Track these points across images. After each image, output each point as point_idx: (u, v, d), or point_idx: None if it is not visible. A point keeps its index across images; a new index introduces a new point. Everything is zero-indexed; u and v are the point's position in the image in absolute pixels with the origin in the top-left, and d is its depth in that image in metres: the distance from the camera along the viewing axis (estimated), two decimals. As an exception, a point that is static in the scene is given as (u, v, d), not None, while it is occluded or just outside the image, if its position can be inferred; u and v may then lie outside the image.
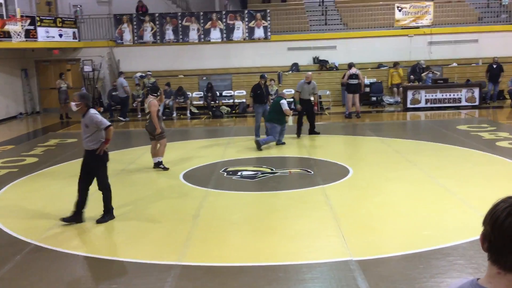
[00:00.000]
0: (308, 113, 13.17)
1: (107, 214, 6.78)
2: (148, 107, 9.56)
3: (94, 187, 6.85)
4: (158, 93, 9.81)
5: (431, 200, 7.27)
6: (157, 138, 9.69)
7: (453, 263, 5.12)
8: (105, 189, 6.77)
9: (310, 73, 13.81)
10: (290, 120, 12.94)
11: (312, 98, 13.71)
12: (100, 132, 6.63)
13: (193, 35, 20.12)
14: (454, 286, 1.63)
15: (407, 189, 7.87)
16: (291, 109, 12.66)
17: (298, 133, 12.89)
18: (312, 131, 13.20)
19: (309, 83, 13.11)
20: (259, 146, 11.44)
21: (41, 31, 17.84)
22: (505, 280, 1.50)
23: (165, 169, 9.65)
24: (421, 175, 8.66)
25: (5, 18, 12.41)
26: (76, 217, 6.64)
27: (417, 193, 7.62)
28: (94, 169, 6.72)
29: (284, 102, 11.70)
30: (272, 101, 12.61)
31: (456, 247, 5.40)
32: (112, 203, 6.87)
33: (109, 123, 6.65)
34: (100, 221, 6.68)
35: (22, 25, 13.10)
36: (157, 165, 9.74)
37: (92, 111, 6.65)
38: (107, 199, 6.79)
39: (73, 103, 6.67)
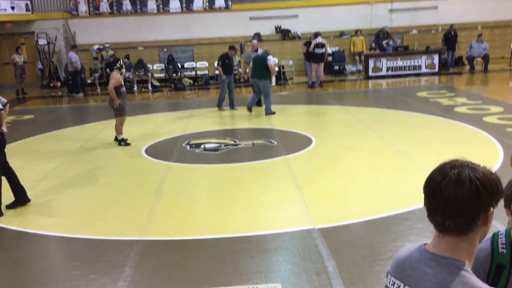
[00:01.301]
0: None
1: None
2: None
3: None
4: (118, 65, 9.54)
5: (391, 167, 7.41)
6: (115, 115, 9.45)
7: (412, 227, 5.26)
8: None
9: (255, 41, 13.67)
10: (273, 80, 12.81)
11: None
12: None
13: (152, 5, 19.61)
14: (404, 252, 1.65)
15: (368, 157, 7.99)
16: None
17: (258, 102, 12.81)
18: (257, 102, 12.86)
19: (256, 51, 12.91)
20: (271, 113, 11.62)
21: (-9, 4, 17.03)
22: (445, 242, 1.51)
23: (127, 144, 9.48)
24: (382, 143, 8.80)
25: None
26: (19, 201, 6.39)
27: (377, 161, 7.75)
28: None
29: (270, 57, 11.73)
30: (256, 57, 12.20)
31: (414, 212, 5.55)
32: (71, 177, 6.59)
33: (0, 107, 5.98)
34: None
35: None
36: (119, 142, 9.56)
37: None
38: None
39: None
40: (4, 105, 6.19)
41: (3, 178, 6.25)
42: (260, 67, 11.76)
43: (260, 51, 13.01)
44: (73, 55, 16.85)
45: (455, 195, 1.45)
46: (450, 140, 8.68)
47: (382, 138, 9.09)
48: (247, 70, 13.18)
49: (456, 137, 8.94)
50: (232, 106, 12.78)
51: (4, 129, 6.14)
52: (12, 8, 18.11)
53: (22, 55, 17.69)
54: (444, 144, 8.45)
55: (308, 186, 6.72)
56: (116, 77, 9.25)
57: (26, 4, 18.80)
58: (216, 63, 12.61)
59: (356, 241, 5.10)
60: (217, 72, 13.99)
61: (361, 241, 5.08)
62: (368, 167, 7.49)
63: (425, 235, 5.00)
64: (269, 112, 11.78)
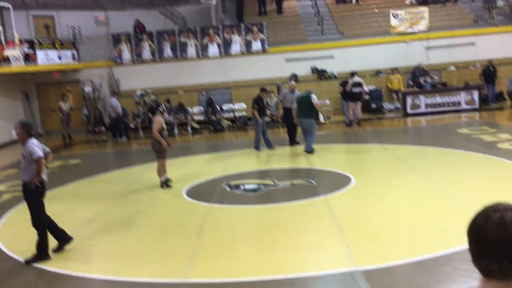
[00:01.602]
0: (291, 122, 13.18)
1: (39, 255, 6.19)
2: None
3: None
4: (161, 109, 9.88)
5: (434, 206, 7.27)
6: (156, 157, 9.73)
7: (458, 268, 5.12)
8: (37, 227, 6.23)
9: (293, 82, 13.95)
10: (321, 117, 13.06)
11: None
12: (34, 164, 6.12)
13: (191, 51, 20.27)
14: None
15: (409, 196, 7.87)
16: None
17: (292, 139, 13.27)
18: (293, 141, 13.29)
19: (292, 92, 13.24)
20: (310, 151, 11.74)
21: (40, 54, 18.02)
22: (491, 287, 1.51)
23: (168, 186, 9.69)
24: (423, 181, 8.66)
25: (3, 43, 12.53)
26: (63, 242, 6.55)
27: (419, 200, 7.62)
28: (27, 203, 6.30)
29: (314, 96, 12.04)
30: (298, 97, 12.54)
31: (460, 252, 5.40)
32: (115, 220, 6.75)
33: (40, 155, 6.08)
34: (28, 261, 6.15)
35: (20, 50, 13.22)
36: (161, 185, 9.77)
37: (32, 140, 6.18)
38: (39, 238, 6.21)
39: (13, 131, 6.25)
40: (47, 154, 6.45)
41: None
42: (306, 106, 12.01)
43: (296, 92, 13.24)
44: (113, 101, 17.47)
45: (498, 239, 1.45)
46: (494, 178, 8.47)
47: (423, 176, 8.96)
48: (280, 110, 13.48)
49: (500, 175, 8.72)
50: (269, 145, 12.93)
51: (45, 177, 6.33)
52: (60, 58, 19.08)
53: (68, 102, 18.50)
54: (488, 182, 8.25)
55: (349, 226, 6.66)
56: (159, 121, 9.57)
57: (73, 54, 19.77)
58: (252, 107, 12.85)
59: (401, 284, 4.99)
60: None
61: (406, 284, 4.98)
62: (410, 206, 7.38)
63: (472, 276, 4.86)
64: (308, 150, 11.83)
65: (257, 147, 12.90)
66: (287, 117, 13.40)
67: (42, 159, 6.13)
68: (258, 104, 12.79)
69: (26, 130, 6.22)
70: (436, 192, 7.96)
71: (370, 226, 6.70)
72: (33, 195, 6.22)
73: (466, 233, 1.55)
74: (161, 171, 9.78)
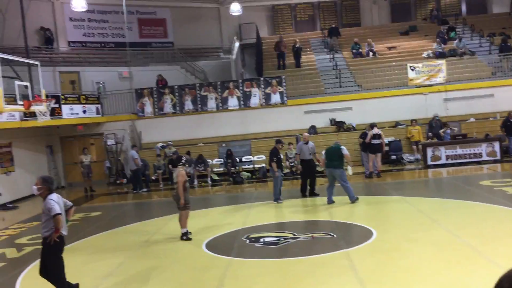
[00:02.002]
0: (310, 173, 13.58)
1: None
2: (176, 177, 9.74)
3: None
4: (183, 161, 10.03)
5: (458, 261, 7.12)
6: (180, 209, 9.81)
7: (485, 327, 4.97)
8: (55, 281, 6.27)
9: (306, 134, 14.41)
10: (350, 169, 13.24)
11: (312, 157, 13.87)
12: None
13: (211, 103, 20.69)
14: None
15: (432, 250, 7.73)
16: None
17: (304, 191, 13.51)
18: (312, 193, 13.51)
19: (306, 143, 13.55)
20: (354, 200, 11.90)
21: (65, 109, 18.57)
22: None
23: (188, 239, 9.70)
24: (446, 235, 8.52)
25: (31, 99, 12.98)
26: None
27: (443, 254, 7.48)
28: (45, 259, 6.36)
29: (344, 147, 12.40)
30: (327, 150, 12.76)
31: (486, 310, 5.26)
32: (135, 274, 6.74)
33: (58, 211, 6.17)
34: None
35: (47, 105, 13.66)
36: (181, 237, 9.79)
37: (51, 196, 6.29)
38: None
39: (34, 187, 6.36)
40: (69, 208, 6.56)
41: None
42: (336, 157, 12.19)
43: (310, 143, 13.47)
44: (133, 153, 17.75)
45: None
46: (520, 231, 8.29)
47: (446, 230, 8.81)
48: (297, 160, 14.20)
49: (526, 228, 8.53)
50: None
51: (64, 232, 6.39)
52: (84, 111, 19.62)
53: (89, 155, 18.89)
54: (513, 235, 8.07)
55: (371, 282, 6.54)
56: (182, 173, 9.74)
57: (97, 108, 20.34)
58: (270, 160, 12.99)
59: None
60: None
61: None
62: (433, 260, 7.24)
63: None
64: (354, 200, 11.94)
65: (276, 199, 12.91)
66: (305, 168, 13.61)
67: (60, 215, 6.20)
68: (276, 156, 12.93)
69: (47, 186, 6.35)
70: (459, 246, 7.81)
71: (393, 281, 6.57)
72: (52, 251, 6.28)
73: None
74: (184, 221, 9.82)
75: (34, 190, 6.38)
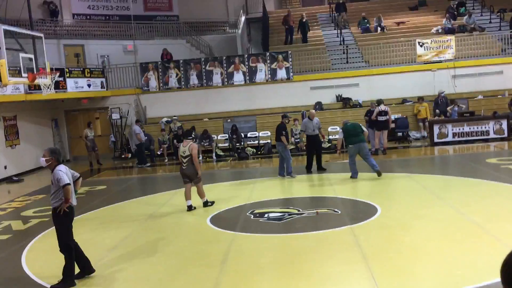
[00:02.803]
0: (315, 149, 13.67)
1: (65, 281, 6.23)
2: (190, 150, 9.85)
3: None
4: (193, 136, 10.13)
5: (463, 238, 7.09)
6: (196, 182, 10.02)
7: (490, 304, 4.95)
8: (65, 250, 6.31)
9: (313, 111, 14.41)
10: None
11: (317, 133, 13.90)
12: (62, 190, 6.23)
13: (217, 79, 20.53)
14: None
15: (437, 227, 7.70)
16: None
17: (309, 168, 13.54)
18: (320, 168, 13.66)
19: (311, 120, 13.62)
20: (379, 173, 11.93)
21: (70, 82, 18.48)
22: None
23: (212, 203, 10.24)
24: (452, 212, 8.48)
25: (35, 71, 12.90)
26: (84, 272, 6.55)
27: (448, 231, 7.45)
28: (56, 229, 6.42)
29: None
30: (345, 125, 12.72)
31: (491, 286, 5.23)
32: (140, 247, 6.76)
33: (67, 182, 6.20)
34: (54, 287, 6.19)
35: (52, 78, 13.58)
36: (206, 204, 10.20)
37: (59, 167, 6.31)
38: (66, 263, 6.29)
39: (42, 159, 6.38)
40: (76, 179, 6.56)
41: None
42: (360, 132, 12.25)
43: (315, 119, 13.42)
44: (136, 128, 17.71)
45: None
46: (526, 209, 8.24)
47: (451, 207, 8.77)
48: (303, 139, 14.20)
49: (532, 206, 8.47)
50: (282, 174, 13.06)
51: (74, 202, 6.43)
52: (89, 85, 19.54)
53: (93, 129, 18.89)
54: (519, 213, 8.02)
55: (375, 258, 6.52)
56: (195, 146, 9.95)
57: (101, 82, 20.23)
58: (279, 134, 12.89)
59: (429, 318, 4.84)
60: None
61: (435, 318, 4.82)
62: (439, 238, 7.21)
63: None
64: (378, 170, 11.98)
65: (289, 173, 12.92)
66: (310, 144, 13.62)
67: (69, 185, 6.23)
68: (284, 130, 12.91)
69: (55, 157, 6.37)
70: (464, 224, 7.77)
71: (398, 258, 6.55)
72: (62, 221, 6.31)
73: (499, 272, 1.51)
74: (203, 191, 10.18)
75: (42, 162, 6.39)
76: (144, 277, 6.60)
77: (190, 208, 10.01)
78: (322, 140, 14.29)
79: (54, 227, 6.49)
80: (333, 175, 13.02)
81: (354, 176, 12.25)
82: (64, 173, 6.27)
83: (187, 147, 9.89)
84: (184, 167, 9.99)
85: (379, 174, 11.96)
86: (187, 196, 10.06)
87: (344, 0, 26.49)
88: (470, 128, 17.02)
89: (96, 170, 17.83)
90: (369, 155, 12.29)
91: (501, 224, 7.52)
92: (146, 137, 18.06)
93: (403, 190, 10.83)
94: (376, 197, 10.17)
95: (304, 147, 16.93)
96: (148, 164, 17.69)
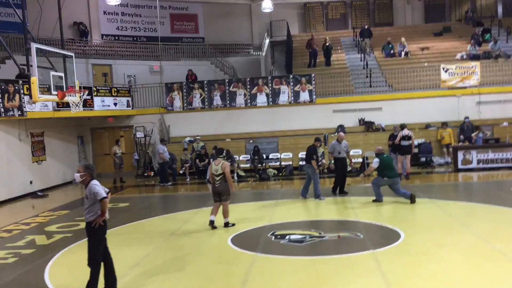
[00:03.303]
0: (343, 172, 13.71)
1: None
2: (222, 169, 10.03)
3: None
4: (224, 154, 10.31)
5: (488, 267, 6.97)
6: (225, 199, 10.21)
7: (516, 335, 4.85)
8: (92, 265, 6.45)
9: (342, 134, 14.35)
10: None
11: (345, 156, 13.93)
12: (98, 204, 6.43)
13: (240, 100, 20.74)
14: None
15: (461, 255, 7.58)
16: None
17: (335, 190, 13.67)
18: (342, 191, 13.65)
19: (340, 142, 13.69)
20: (413, 198, 11.85)
21: (97, 101, 18.87)
22: None
23: (233, 225, 10.30)
24: (476, 240, 8.34)
25: (65, 89, 13.23)
26: None
27: (472, 260, 7.33)
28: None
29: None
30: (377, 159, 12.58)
31: (518, 318, 5.13)
32: (161, 265, 6.78)
33: (104, 195, 6.40)
34: None
35: (80, 96, 13.90)
36: (226, 225, 10.27)
37: (94, 182, 6.49)
38: (90, 278, 6.41)
39: (77, 174, 6.52)
40: (106, 194, 6.72)
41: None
42: (393, 166, 12.41)
43: (344, 142, 13.40)
44: (160, 147, 17.96)
45: None
46: (554, 239, 8.06)
47: (476, 235, 8.63)
48: (332, 161, 14.10)
49: (560, 236, 8.29)
50: (305, 195, 13.18)
51: (107, 215, 6.60)
52: (115, 104, 19.91)
53: (120, 147, 19.20)
54: (546, 243, 7.85)
55: (398, 284, 6.45)
56: (228, 165, 10.18)
57: (127, 101, 20.60)
58: (308, 158, 12.93)
59: None
60: (301, 163, 14.43)
61: None
62: (463, 266, 7.10)
63: None
64: (411, 193, 11.93)
65: (319, 196, 12.95)
66: (339, 167, 13.68)
67: (106, 199, 6.45)
68: (315, 153, 13.01)
69: (89, 172, 6.56)
70: (489, 252, 7.64)
71: (421, 285, 6.46)
72: (96, 234, 6.49)
73: None
74: (225, 212, 10.30)
75: (76, 177, 6.56)
76: (165, 296, 6.63)
77: (212, 223, 10.13)
78: (349, 164, 14.27)
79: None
80: (354, 198, 12.95)
81: (379, 199, 12.18)
82: (100, 187, 6.47)
83: (219, 165, 10.06)
84: (216, 185, 10.17)
85: (413, 199, 11.82)
86: (213, 212, 10.26)
87: (368, 25, 26.62)
88: (495, 155, 16.79)
89: (119, 187, 18.04)
90: (400, 187, 12.23)
91: (527, 254, 7.37)
92: (169, 156, 18.26)
93: (426, 215, 10.70)
94: (399, 222, 10.06)
95: (326, 170, 16.93)
96: (170, 183, 17.84)
